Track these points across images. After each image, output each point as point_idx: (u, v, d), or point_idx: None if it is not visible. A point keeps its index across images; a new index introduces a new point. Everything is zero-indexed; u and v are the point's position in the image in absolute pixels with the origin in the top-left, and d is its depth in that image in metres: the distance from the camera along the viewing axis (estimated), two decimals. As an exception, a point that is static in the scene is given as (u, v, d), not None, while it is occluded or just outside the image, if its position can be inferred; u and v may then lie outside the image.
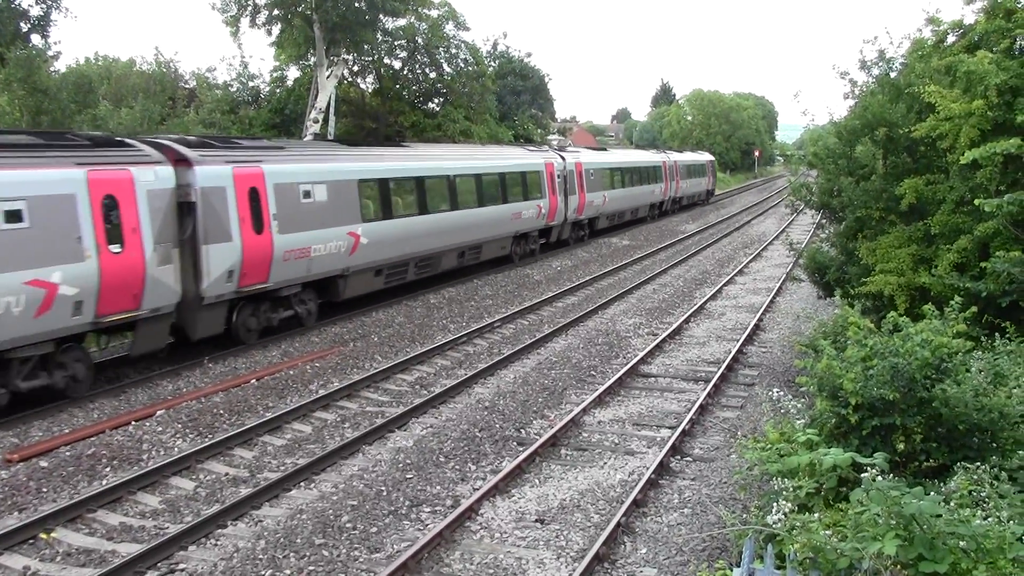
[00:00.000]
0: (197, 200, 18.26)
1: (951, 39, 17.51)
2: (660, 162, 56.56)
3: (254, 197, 19.67)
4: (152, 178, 17.33)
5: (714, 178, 76.09)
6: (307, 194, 21.35)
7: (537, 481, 12.97)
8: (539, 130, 68.03)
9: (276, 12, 44.36)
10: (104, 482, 12.64)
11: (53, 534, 10.97)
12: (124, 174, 16.73)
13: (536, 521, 11.55)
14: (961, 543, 6.62)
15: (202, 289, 18.40)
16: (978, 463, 8.48)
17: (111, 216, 16.34)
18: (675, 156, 62.46)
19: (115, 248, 16.30)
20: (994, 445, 9.09)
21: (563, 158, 38.97)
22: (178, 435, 14.63)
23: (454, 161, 30.00)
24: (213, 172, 18.76)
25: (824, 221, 23.38)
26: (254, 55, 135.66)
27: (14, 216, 14.53)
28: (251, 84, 51.56)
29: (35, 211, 14.88)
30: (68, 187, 15.56)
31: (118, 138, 19.14)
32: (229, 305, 19.63)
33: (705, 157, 74.33)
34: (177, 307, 18.09)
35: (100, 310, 16.08)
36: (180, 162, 18.28)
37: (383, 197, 24.71)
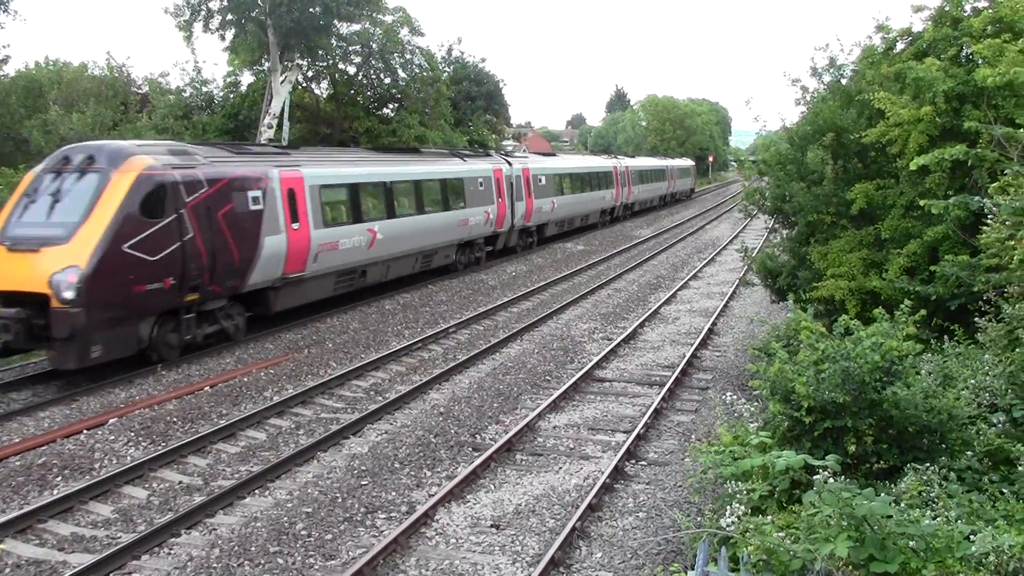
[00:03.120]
0: (513, 182, 37.63)
1: (900, 46, 17.77)
2: (665, 166, 76.80)
3: (527, 181, 39.39)
4: (505, 169, 37.08)
5: (695, 179, 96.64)
6: (539, 180, 41.24)
7: (492, 486, 12.97)
8: (493, 136, 67.94)
9: (230, 17, 43.90)
10: (55, 492, 12.45)
11: (3, 545, 10.77)
12: (500, 167, 36.69)
13: (492, 526, 11.55)
14: (911, 543, 6.71)
15: (513, 222, 37.96)
16: (927, 464, 8.61)
17: (498, 186, 35.72)
18: (671, 162, 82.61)
19: (499, 200, 35.79)
20: (943, 446, 9.18)
21: (620, 162, 59.01)
22: (131, 443, 14.44)
23: (579, 162, 52.75)
24: (516, 168, 38.69)
25: (777, 226, 23.58)
26: (207, 60, 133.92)
27: (481, 184, 34.01)
28: (204, 89, 50.95)
29: (484, 183, 34.41)
30: (489, 173, 35.31)
31: (494, 151, 41.83)
32: (518, 233, 39.24)
33: (688, 163, 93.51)
34: (508, 231, 37.73)
35: (495, 227, 35.43)
36: (508, 163, 37.99)
37: (559, 183, 44.80)
